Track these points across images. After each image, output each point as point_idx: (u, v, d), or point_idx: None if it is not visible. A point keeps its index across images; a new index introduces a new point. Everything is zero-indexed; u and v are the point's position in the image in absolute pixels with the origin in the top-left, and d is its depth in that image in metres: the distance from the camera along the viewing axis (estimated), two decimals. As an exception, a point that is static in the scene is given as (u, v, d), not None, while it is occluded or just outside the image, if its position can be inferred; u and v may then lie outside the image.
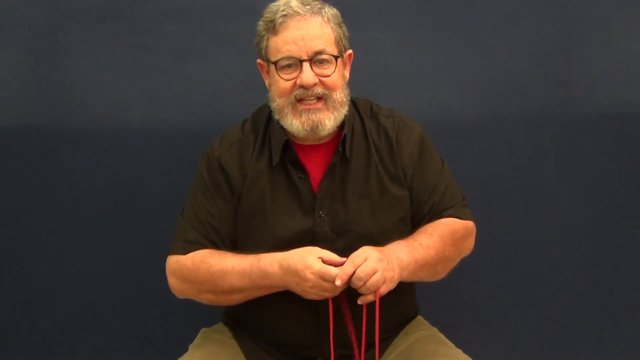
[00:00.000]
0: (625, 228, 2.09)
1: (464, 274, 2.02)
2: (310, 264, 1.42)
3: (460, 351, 1.63)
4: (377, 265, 1.42)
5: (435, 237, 1.56)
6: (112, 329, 2.05)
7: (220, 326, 1.73)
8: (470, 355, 1.61)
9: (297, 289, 1.47)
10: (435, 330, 1.72)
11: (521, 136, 2.06)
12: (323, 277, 1.42)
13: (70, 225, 2.02)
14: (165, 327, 2.03)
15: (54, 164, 2.01)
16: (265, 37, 1.54)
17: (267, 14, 1.53)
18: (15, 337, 2.05)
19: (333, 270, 1.42)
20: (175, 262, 1.59)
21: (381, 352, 1.64)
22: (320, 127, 1.53)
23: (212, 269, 1.53)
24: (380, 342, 1.59)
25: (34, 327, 2.04)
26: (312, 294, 1.45)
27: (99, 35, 1.98)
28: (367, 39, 1.96)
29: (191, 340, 1.71)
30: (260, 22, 1.55)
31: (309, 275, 1.42)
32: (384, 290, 1.44)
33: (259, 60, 1.60)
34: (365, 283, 1.41)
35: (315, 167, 1.58)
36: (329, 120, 1.53)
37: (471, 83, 2.04)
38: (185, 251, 1.58)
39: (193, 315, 1.87)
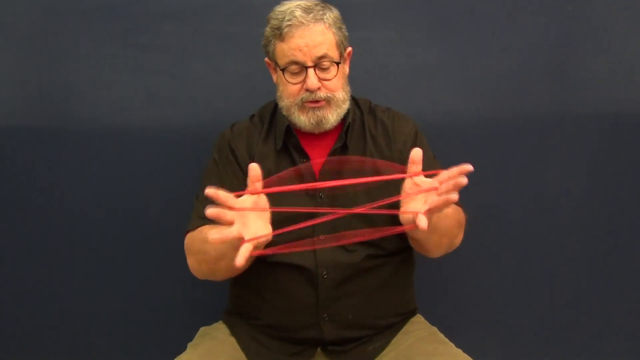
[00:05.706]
0: (625, 228, 2.08)
1: (464, 274, 2.03)
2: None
3: (460, 351, 1.64)
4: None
5: (449, 209, 1.55)
6: (112, 328, 2.05)
7: (219, 324, 1.74)
8: (470, 355, 1.61)
9: None
10: (434, 329, 1.73)
11: (521, 136, 2.05)
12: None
13: (70, 225, 2.02)
14: (164, 325, 2.03)
15: (54, 164, 2.01)
16: (272, 42, 1.63)
17: (273, 21, 1.62)
18: (15, 337, 2.05)
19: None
20: (187, 238, 1.63)
21: (380, 350, 1.67)
22: (324, 122, 1.64)
23: (201, 235, 1.57)
24: (377, 335, 1.66)
25: (33, 327, 2.05)
26: None
27: (99, 35, 1.98)
28: (366, 39, 1.97)
29: (190, 339, 1.71)
30: (267, 28, 1.64)
31: None
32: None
33: (266, 59, 1.69)
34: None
35: (317, 154, 1.68)
36: (332, 115, 1.65)
37: (471, 83, 2.04)
38: (196, 227, 1.62)
39: (192, 314, 1.88)
